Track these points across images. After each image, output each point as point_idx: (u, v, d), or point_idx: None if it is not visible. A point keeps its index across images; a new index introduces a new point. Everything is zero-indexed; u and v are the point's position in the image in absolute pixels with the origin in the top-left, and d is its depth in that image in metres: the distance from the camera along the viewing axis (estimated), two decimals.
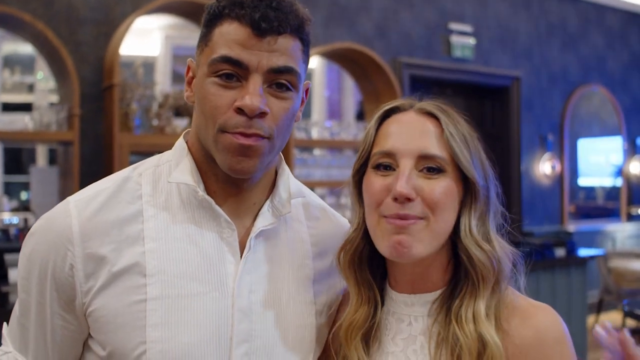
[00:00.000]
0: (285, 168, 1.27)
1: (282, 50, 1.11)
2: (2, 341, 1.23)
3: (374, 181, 1.15)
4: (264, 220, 1.20)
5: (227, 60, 1.09)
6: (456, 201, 1.15)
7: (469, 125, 1.19)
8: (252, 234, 1.18)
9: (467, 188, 1.16)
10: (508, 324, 1.12)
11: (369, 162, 1.18)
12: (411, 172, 1.11)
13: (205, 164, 1.19)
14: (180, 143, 1.23)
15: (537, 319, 1.13)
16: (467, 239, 1.14)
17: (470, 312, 1.12)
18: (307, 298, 1.24)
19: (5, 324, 1.25)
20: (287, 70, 1.12)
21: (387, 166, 1.14)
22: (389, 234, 1.11)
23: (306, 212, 1.32)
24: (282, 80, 1.12)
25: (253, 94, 1.08)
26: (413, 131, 1.15)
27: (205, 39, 1.14)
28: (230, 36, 1.09)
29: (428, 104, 1.18)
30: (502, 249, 1.17)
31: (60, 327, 1.15)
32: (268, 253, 1.21)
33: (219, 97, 1.10)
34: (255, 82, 1.09)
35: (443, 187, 1.12)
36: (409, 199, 1.10)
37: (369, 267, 1.22)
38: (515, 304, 1.15)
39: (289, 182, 1.25)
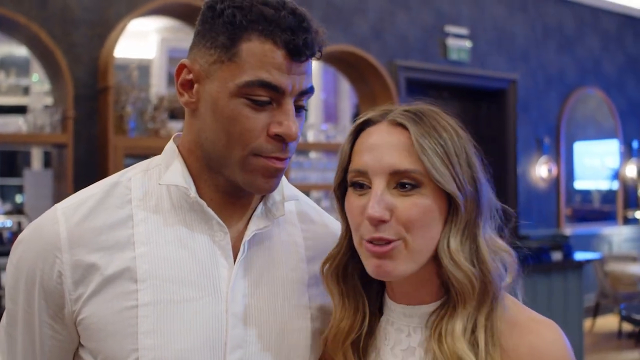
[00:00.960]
0: None
1: (309, 71, 1.10)
2: None
3: (352, 202, 1.11)
4: (258, 223, 1.17)
5: (265, 85, 1.05)
6: (438, 215, 1.08)
7: (456, 126, 1.12)
8: (246, 237, 1.15)
9: (449, 200, 1.08)
10: (506, 341, 1.06)
11: (347, 178, 1.13)
12: (383, 192, 1.05)
13: (204, 173, 1.15)
14: (171, 146, 1.20)
15: (537, 336, 1.06)
16: (445, 258, 1.07)
17: (445, 328, 1.07)
18: (302, 302, 1.21)
19: None
20: (311, 91, 1.12)
21: (362, 184, 1.09)
22: (370, 258, 1.08)
23: (300, 216, 1.30)
24: (304, 102, 1.12)
25: (292, 121, 1.07)
26: (383, 146, 1.08)
27: (227, 52, 1.06)
28: (268, 59, 1.05)
29: (400, 114, 1.10)
30: (495, 256, 1.11)
31: (48, 337, 1.13)
32: (262, 257, 1.19)
33: (253, 121, 1.07)
34: (291, 108, 1.08)
35: (418, 205, 1.05)
36: (383, 221, 1.05)
37: (360, 278, 1.18)
38: (514, 318, 1.09)
39: (282, 185, 1.23)
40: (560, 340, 1.06)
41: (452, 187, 1.05)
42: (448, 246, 1.07)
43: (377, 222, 1.05)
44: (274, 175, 1.11)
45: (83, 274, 1.09)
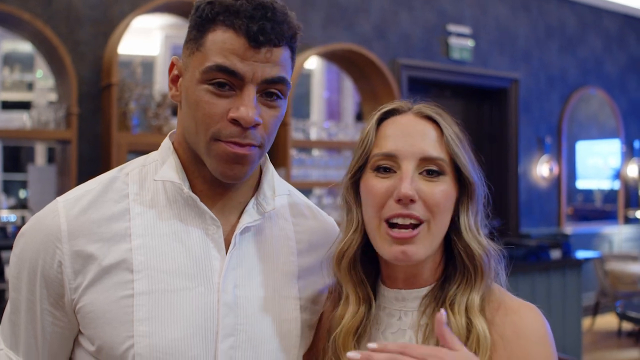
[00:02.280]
0: (269, 167, 1.30)
1: (276, 61, 1.12)
2: None
3: (375, 184, 1.17)
4: (249, 217, 1.22)
5: (222, 69, 1.09)
6: (453, 201, 1.18)
7: (460, 128, 1.22)
8: (237, 231, 1.20)
9: (463, 187, 1.19)
10: (492, 315, 1.15)
11: (368, 164, 1.19)
12: (414, 174, 1.14)
13: (192, 165, 1.21)
14: (166, 143, 1.25)
15: (520, 316, 1.15)
16: (468, 236, 1.18)
17: (463, 303, 1.15)
18: (292, 293, 1.26)
19: None
20: (280, 81, 1.14)
21: (388, 168, 1.16)
22: (392, 244, 1.14)
23: (292, 210, 1.34)
24: (273, 90, 1.14)
25: (249, 106, 1.10)
26: (414, 133, 1.17)
27: (196, 43, 1.13)
28: (226, 45, 1.10)
29: (426, 107, 1.21)
30: (488, 243, 1.20)
31: (49, 324, 1.17)
32: (253, 249, 1.24)
33: (213, 106, 1.11)
34: (250, 94, 1.11)
35: (442, 190, 1.15)
36: (412, 201, 1.12)
37: (362, 266, 1.24)
38: (500, 299, 1.18)
39: (273, 180, 1.28)
40: (541, 321, 1.16)
41: (472, 173, 1.18)
42: (469, 224, 1.19)
43: (409, 201, 1.12)
44: (236, 162, 1.14)
45: (82, 264, 1.14)
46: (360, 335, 1.22)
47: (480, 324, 1.12)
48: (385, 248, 1.15)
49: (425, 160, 1.15)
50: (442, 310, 1.01)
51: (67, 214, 1.16)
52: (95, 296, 1.13)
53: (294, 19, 1.16)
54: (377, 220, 1.16)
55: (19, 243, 1.20)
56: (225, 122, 1.11)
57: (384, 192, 1.15)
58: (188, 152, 1.20)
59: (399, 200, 1.12)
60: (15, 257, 1.20)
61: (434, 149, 1.16)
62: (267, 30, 1.10)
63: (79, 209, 1.17)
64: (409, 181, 1.12)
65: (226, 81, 1.10)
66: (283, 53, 1.14)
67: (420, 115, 1.20)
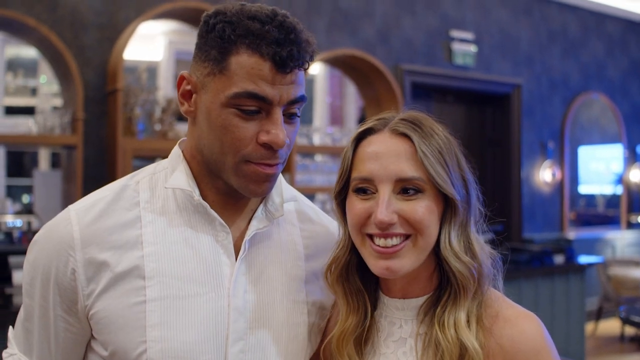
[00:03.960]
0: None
1: (298, 81, 1.15)
2: (8, 344, 1.28)
3: (356, 205, 1.17)
4: (258, 223, 1.25)
5: (253, 96, 1.11)
6: (437, 216, 1.16)
7: (445, 131, 1.19)
8: (247, 237, 1.23)
9: (447, 201, 1.17)
10: (490, 324, 1.15)
11: (350, 185, 1.19)
12: (390, 198, 1.13)
13: (205, 177, 1.23)
14: (176, 151, 1.27)
15: (519, 329, 1.14)
16: (447, 251, 1.16)
17: (452, 319, 1.14)
18: (300, 297, 1.28)
19: (10, 327, 1.29)
20: (302, 99, 1.17)
21: (366, 190, 1.16)
22: (376, 258, 1.15)
23: (299, 216, 1.37)
24: (295, 110, 1.18)
25: (279, 130, 1.13)
26: (388, 155, 1.15)
27: (218, 64, 1.13)
28: (254, 71, 1.11)
29: (401, 123, 1.17)
30: (483, 250, 1.19)
31: (63, 330, 1.20)
32: (262, 255, 1.26)
33: (242, 129, 1.13)
34: (279, 117, 1.14)
35: (423, 206, 1.13)
36: (391, 224, 1.12)
37: (359, 275, 1.25)
38: (497, 306, 1.18)
39: (281, 187, 1.30)
40: (540, 333, 1.14)
41: (451, 190, 1.14)
42: (450, 243, 1.16)
43: (387, 226, 1.12)
44: (265, 180, 1.18)
45: (95, 271, 1.16)
46: (362, 341, 1.24)
47: (469, 341, 1.11)
48: (371, 262, 1.16)
49: (401, 181, 1.13)
50: None
51: (79, 222, 1.18)
52: (109, 302, 1.15)
53: (310, 35, 1.17)
54: (360, 236, 1.17)
55: (32, 250, 1.22)
56: (255, 145, 1.14)
57: (364, 213, 1.15)
58: (202, 164, 1.22)
59: (376, 224, 1.13)
60: (29, 265, 1.22)
61: (409, 169, 1.13)
62: (295, 56, 1.11)
63: (91, 217, 1.19)
64: (384, 206, 1.12)
65: (255, 107, 1.12)
66: (303, 72, 1.17)
67: (396, 132, 1.16)
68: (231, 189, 1.20)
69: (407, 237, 1.14)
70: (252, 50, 1.11)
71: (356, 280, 1.25)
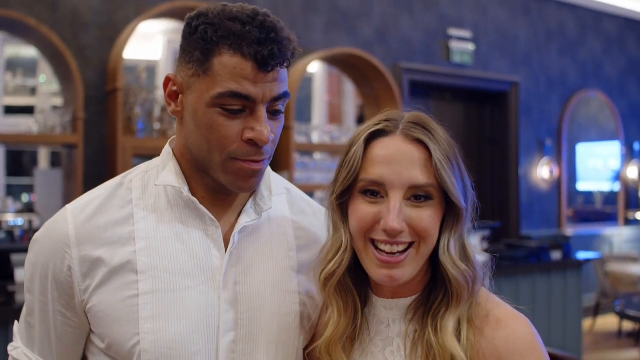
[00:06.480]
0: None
1: (281, 79, 1.18)
2: (13, 337, 1.33)
3: (363, 208, 1.16)
4: (247, 217, 1.28)
5: (236, 95, 1.14)
6: (439, 222, 1.17)
7: (446, 134, 1.18)
8: (236, 230, 1.26)
9: (450, 208, 1.17)
10: (481, 324, 1.16)
11: (356, 185, 1.17)
12: (401, 205, 1.12)
13: (195, 174, 1.26)
14: (167, 149, 1.31)
15: (510, 330, 1.14)
16: (444, 257, 1.16)
17: (441, 322, 1.15)
18: (291, 287, 1.31)
19: (16, 322, 1.35)
20: (284, 96, 1.20)
21: (375, 193, 1.15)
22: (379, 267, 1.15)
23: (291, 207, 1.40)
24: (279, 107, 1.20)
25: (263, 126, 1.16)
26: (402, 160, 1.13)
27: (201, 66, 1.15)
28: (237, 71, 1.13)
29: (414, 128, 1.16)
30: (474, 254, 1.20)
31: (61, 324, 1.24)
32: (252, 247, 1.29)
33: (227, 128, 1.16)
34: (263, 114, 1.16)
35: (430, 215, 1.14)
36: (400, 232, 1.12)
37: (350, 276, 1.24)
38: (489, 306, 1.18)
39: (269, 180, 1.33)
40: (532, 333, 1.15)
41: (460, 199, 1.15)
42: (448, 249, 1.16)
43: (397, 234, 1.12)
44: (252, 176, 1.21)
45: (90, 268, 1.21)
46: (351, 338, 1.25)
47: (454, 347, 1.12)
48: (372, 270, 1.16)
49: (413, 187, 1.13)
50: None
51: (74, 220, 1.23)
52: (104, 297, 1.20)
53: (291, 34, 1.20)
54: (363, 241, 1.16)
55: (32, 249, 1.27)
56: (240, 143, 1.17)
57: (372, 218, 1.14)
58: (191, 162, 1.25)
59: (385, 231, 1.12)
60: (29, 262, 1.27)
61: (422, 175, 1.13)
62: (276, 55, 1.14)
63: (86, 215, 1.23)
64: (396, 213, 1.11)
65: (240, 106, 1.15)
66: (285, 70, 1.20)
67: (410, 138, 1.15)
68: (220, 185, 1.23)
69: (410, 244, 1.14)
70: (233, 51, 1.13)
71: (348, 282, 1.24)
